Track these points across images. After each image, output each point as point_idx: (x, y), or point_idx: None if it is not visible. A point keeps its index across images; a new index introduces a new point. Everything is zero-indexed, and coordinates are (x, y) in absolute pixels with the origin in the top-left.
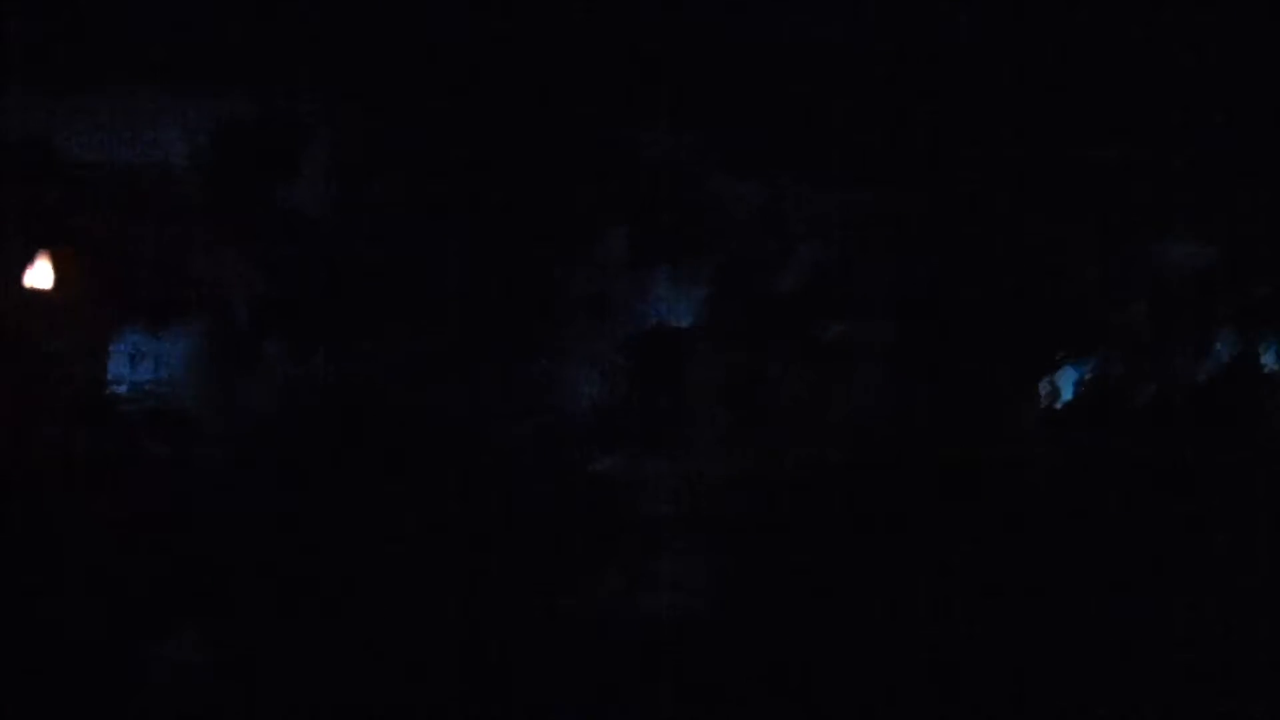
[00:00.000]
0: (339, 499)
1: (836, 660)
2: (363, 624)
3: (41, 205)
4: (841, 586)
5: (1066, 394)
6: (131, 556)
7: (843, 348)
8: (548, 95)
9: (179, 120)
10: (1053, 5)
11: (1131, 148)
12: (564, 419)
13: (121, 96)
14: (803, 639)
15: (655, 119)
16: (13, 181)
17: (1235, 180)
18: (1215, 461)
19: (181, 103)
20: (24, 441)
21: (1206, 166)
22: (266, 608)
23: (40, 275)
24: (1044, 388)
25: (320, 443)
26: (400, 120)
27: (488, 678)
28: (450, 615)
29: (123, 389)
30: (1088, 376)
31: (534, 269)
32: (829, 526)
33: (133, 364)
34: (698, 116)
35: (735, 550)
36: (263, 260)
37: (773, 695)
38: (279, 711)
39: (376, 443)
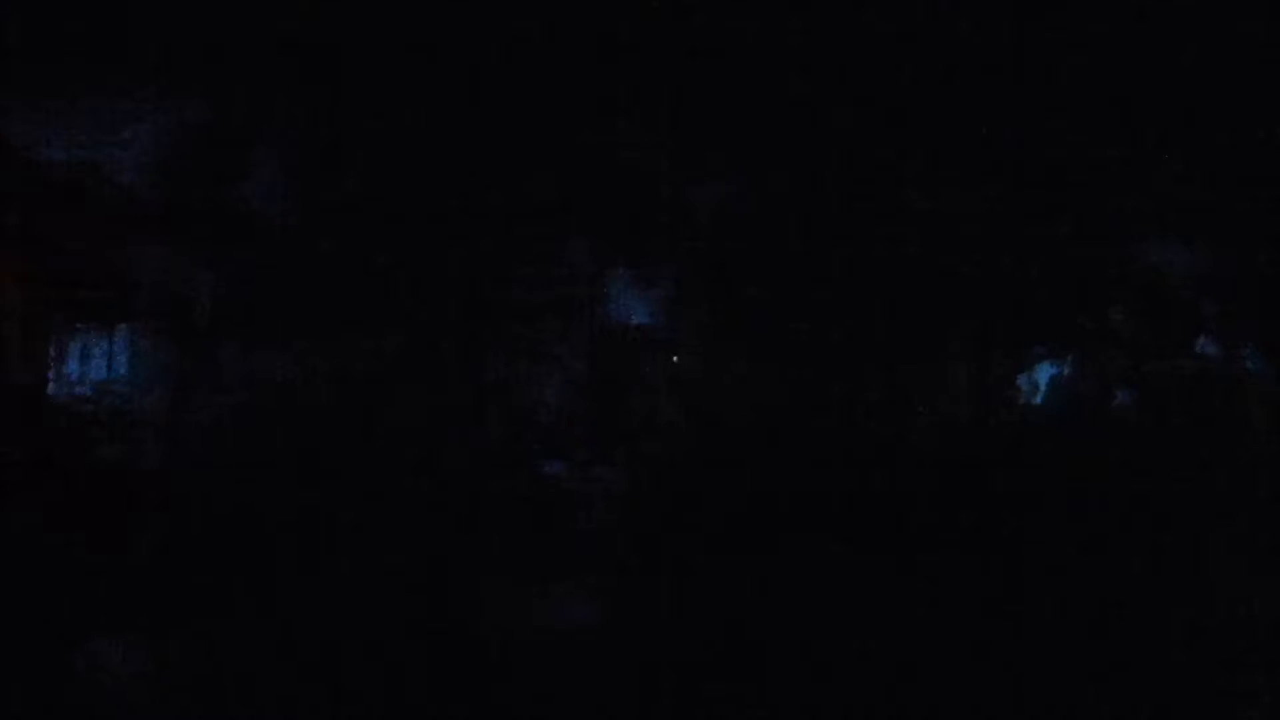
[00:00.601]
0: (290, 500)
1: (791, 675)
2: (306, 625)
3: None
4: (802, 599)
5: (1042, 390)
6: (73, 558)
7: (813, 347)
8: (510, 98)
9: (134, 121)
10: (1040, 4)
11: (1117, 147)
12: (517, 424)
13: (78, 97)
14: (755, 656)
15: (620, 121)
16: None
17: (1221, 181)
18: (1192, 461)
19: (136, 104)
20: None
21: (1191, 167)
22: (216, 610)
23: None
24: (1022, 383)
25: (273, 444)
26: (359, 122)
27: (426, 685)
28: (392, 621)
29: (70, 389)
30: (1065, 374)
31: (492, 272)
32: (791, 535)
33: (81, 363)
34: (663, 118)
35: (683, 563)
36: (218, 261)
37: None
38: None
39: (329, 445)
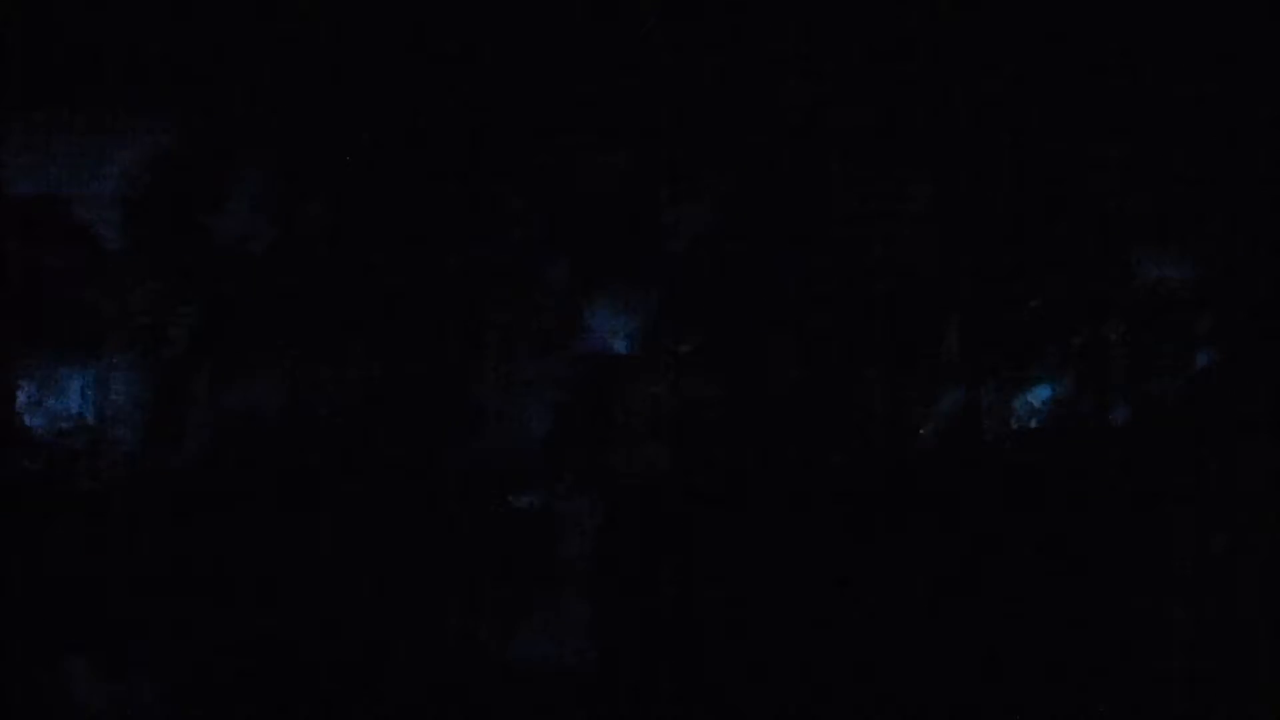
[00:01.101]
0: (261, 532)
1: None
2: (273, 657)
3: None
4: (781, 638)
5: (1039, 411)
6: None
7: (796, 371)
8: (483, 117)
9: (104, 148)
10: (1025, 7)
11: (1112, 155)
12: (490, 454)
13: (45, 124)
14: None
15: (598, 139)
16: None
17: (1219, 190)
18: (1188, 484)
19: (107, 130)
20: None
21: (1188, 176)
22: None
23: None
24: (1019, 405)
25: (245, 473)
26: (328, 146)
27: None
28: (359, 658)
29: (40, 422)
30: (1060, 395)
31: (468, 297)
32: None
33: (48, 397)
34: (641, 135)
35: (659, 599)
36: (189, 290)
37: None
38: None
39: (302, 476)
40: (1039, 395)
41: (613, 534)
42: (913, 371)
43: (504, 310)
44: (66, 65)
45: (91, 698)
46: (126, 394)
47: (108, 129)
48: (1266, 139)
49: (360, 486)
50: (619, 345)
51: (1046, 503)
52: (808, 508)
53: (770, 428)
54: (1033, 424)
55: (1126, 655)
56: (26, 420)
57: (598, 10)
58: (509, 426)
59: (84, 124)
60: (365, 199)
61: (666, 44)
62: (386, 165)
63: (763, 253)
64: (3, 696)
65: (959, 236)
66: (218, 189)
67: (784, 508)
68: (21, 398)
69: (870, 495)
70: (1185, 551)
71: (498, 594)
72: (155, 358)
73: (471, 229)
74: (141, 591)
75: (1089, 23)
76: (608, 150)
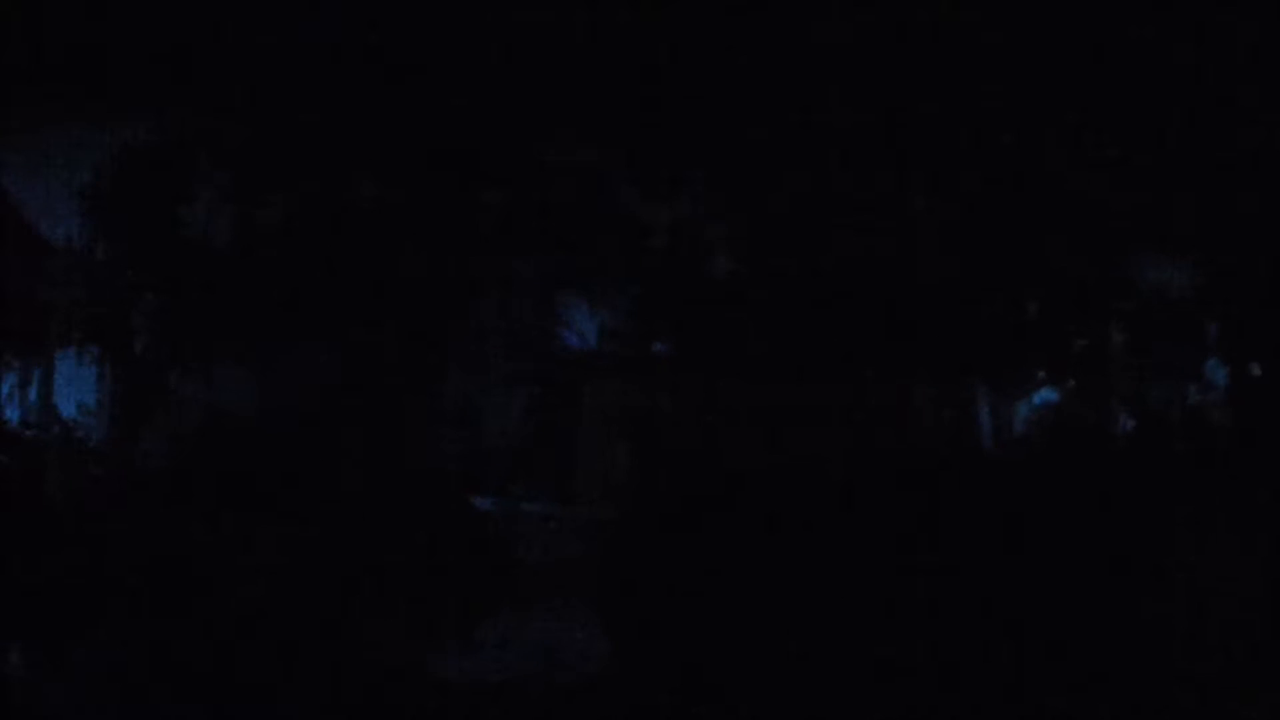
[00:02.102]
0: (218, 526)
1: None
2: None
3: None
4: (750, 642)
5: (1039, 416)
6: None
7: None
8: (456, 115)
9: (72, 145)
10: (1032, 13)
11: (1118, 163)
12: (452, 457)
13: (16, 123)
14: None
15: (569, 136)
16: None
17: (1225, 198)
18: (1188, 491)
19: (77, 128)
20: None
21: (1194, 184)
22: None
23: None
24: (1022, 409)
25: (209, 469)
26: (298, 143)
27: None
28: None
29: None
30: (1062, 401)
31: (435, 299)
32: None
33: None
34: (613, 133)
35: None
36: (156, 286)
37: None
38: None
39: (263, 475)
40: (1039, 400)
41: (578, 536)
42: (910, 374)
43: (473, 310)
44: (28, 64)
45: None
46: (83, 389)
47: (72, 125)
48: (1270, 144)
49: (319, 484)
50: (590, 344)
51: (1044, 506)
52: (791, 514)
53: (747, 430)
54: (1032, 429)
55: (1130, 654)
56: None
57: (566, 11)
58: (476, 427)
59: (48, 119)
60: (331, 198)
61: (644, 44)
62: (354, 165)
63: (749, 257)
64: None
65: (956, 240)
66: (182, 187)
67: (760, 515)
68: None
69: (856, 497)
70: (1186, 554)
71: (454, 598)
72: (117, 353)
73: (441, 228)
74: (96, 585)
75: (1091, 28)
76: (582, 148)
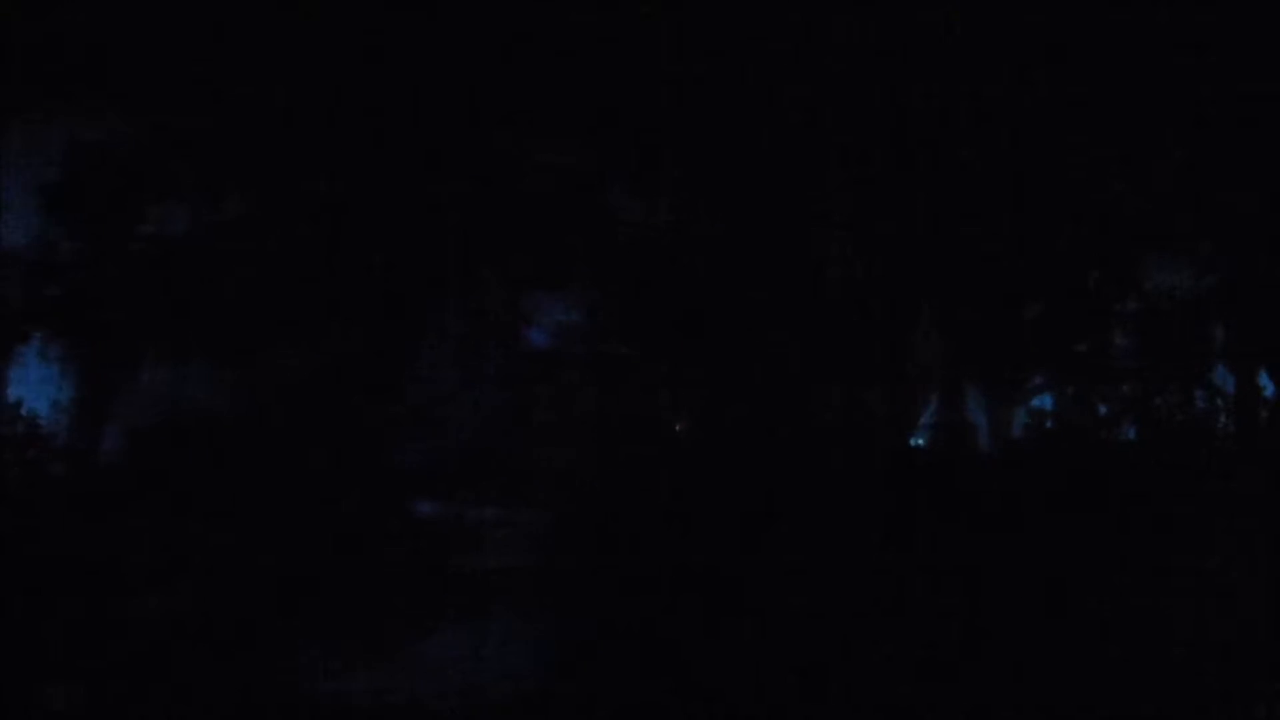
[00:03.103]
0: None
1: None
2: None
3: None
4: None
5: (1040, 420)
6: None
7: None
8: (425, 111)
9: (32, 143)
10: (1041, 13)
11: (1125, 163)
12: (406, 458)
13: None
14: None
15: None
16: None
17: (1235, 198)
18: (1189, 498)
19: (37, 125)
20: None
21: (1204, 183)
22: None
23: None
24: (1020, 415)
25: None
26: (267, 142)
27: None
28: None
29: None
30: (1061, 406)
31: (400, 302)
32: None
33: None
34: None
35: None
36: (125, 281)
37: None
38: None
39: (211, 476)
40: (1040, 405)
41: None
42: (900, 379)
43: (440, 309)
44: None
45: None
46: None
47: (32, 123)
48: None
49: (262, 486)
50: (555, 347)
51: (1042, 512)
52: (764, 519)
53: (728, 434)
54: (1032, 433)
55: (1133, 655)
56: None
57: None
58: (433, 428)
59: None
60: (296, 196)
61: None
62: (316, 161)
63: (742, 255)
64: None
65: (949, 241)
66: (143, 183)
67: (741, 524)
68: None
69: (839, 501)
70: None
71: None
72: (75, 351)
73: (406, 227)
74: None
75: (1095, 29)
76: (557, 147)
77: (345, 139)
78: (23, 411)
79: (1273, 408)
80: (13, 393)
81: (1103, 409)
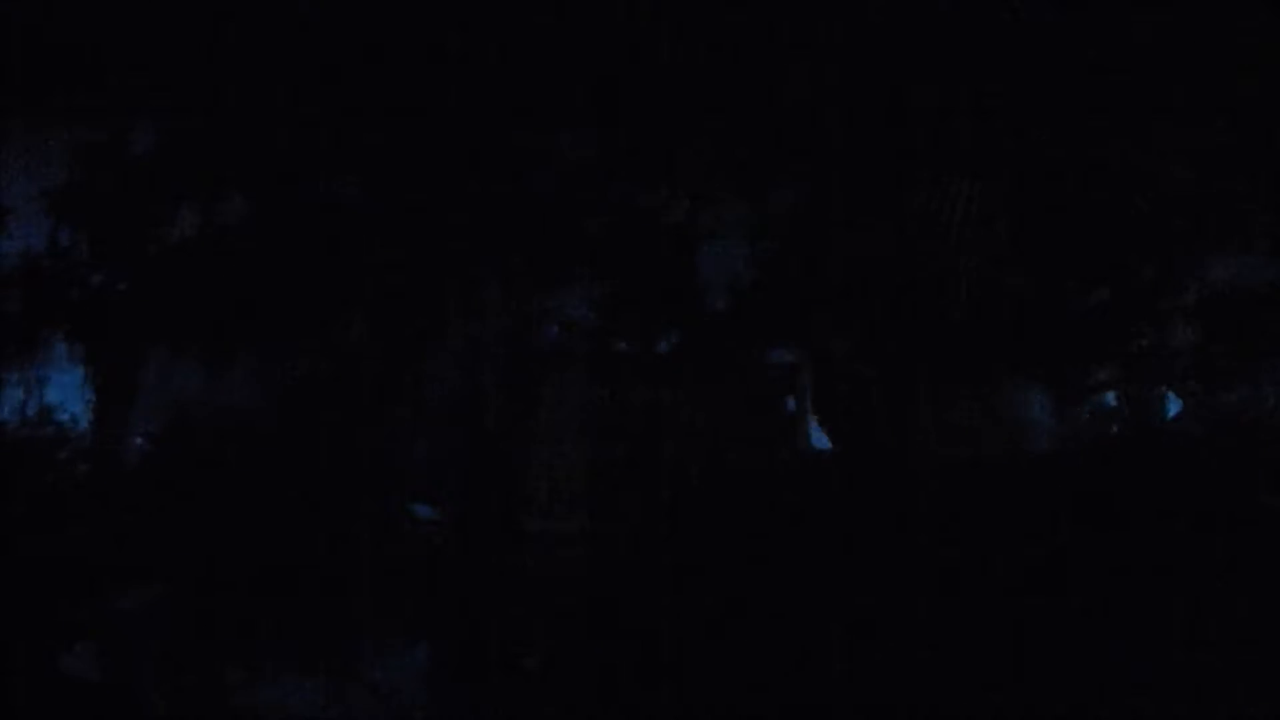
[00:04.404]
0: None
1: None
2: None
3: None
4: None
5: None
6: None
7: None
8: (428, 101)
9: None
10: None
11: (1187, 142)
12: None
13: None
14: None
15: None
16: None
17: None
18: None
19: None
20: None
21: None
22: None
23: None
24: (1078, 414)
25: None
26: (274, 142)
27: None
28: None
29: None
30: (1124, 404)
31: (401, 300)
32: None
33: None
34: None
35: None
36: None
37: None
38: None
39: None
40: (1103, 401)
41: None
42: (946, 374)
43: (443, 308)
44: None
45: None
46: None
47: (36, 127)
48: None
49: (270, 482)
50: (559, 343)
51: (1104, 514)
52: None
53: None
54: (1094, 430)
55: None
56: None
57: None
58: (440, 429)
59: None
60: (298, 194)
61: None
62: (326, 159)
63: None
64: None
65: (1011, 234)
66: (154, 185)
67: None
68: None
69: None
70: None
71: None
72: (93, 351)
73: (414, 226)
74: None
75: (1156, 20)
76: (564, 139)
77: (351, 137)
78: (53, 414)
79: None
80: (40, 395)
81: (1168, 406)
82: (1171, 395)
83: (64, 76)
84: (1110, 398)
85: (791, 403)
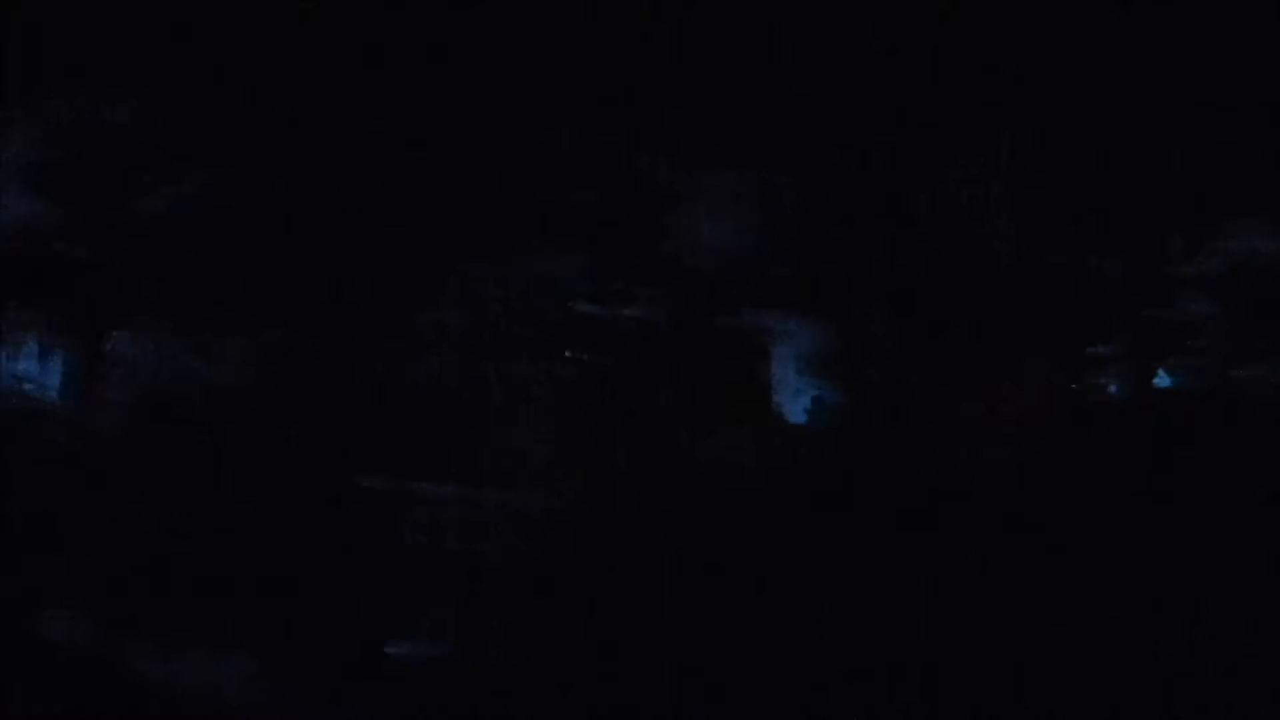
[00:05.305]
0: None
1: None
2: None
3: None
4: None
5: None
6: None
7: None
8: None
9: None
10: None
11: (1211, 113)
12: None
13: None
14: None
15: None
16: None
17: None
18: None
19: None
20: None
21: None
22: None
23: None
24: (1103, 386)
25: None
26: (261, 123)
27: None
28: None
29: None
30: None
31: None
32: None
33: None
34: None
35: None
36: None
37: None
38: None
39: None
40: (1114, 375)
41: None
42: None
43: (412, 279)
44: None
45: None
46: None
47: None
48: None
49: (243, 459)
50: (555, 318)
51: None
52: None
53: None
54: (1108, 403)
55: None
56: None
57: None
58: (425, 407)
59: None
60: (277, 176)
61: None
62: (316, 142)
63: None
64: None
65: (1029, 206)
66: (135, 161)
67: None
68: None
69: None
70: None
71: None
72: (66, 323)
73: (388, 209)
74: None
75: None
76: (545, 128)
77: (339, 120)
78: (36, 389)
79: None
80: (24, 368)
81: (1182, 381)
82: (1201, 366)
83: (48, 55)
84: (1133, 368)
85: (773, 374)
